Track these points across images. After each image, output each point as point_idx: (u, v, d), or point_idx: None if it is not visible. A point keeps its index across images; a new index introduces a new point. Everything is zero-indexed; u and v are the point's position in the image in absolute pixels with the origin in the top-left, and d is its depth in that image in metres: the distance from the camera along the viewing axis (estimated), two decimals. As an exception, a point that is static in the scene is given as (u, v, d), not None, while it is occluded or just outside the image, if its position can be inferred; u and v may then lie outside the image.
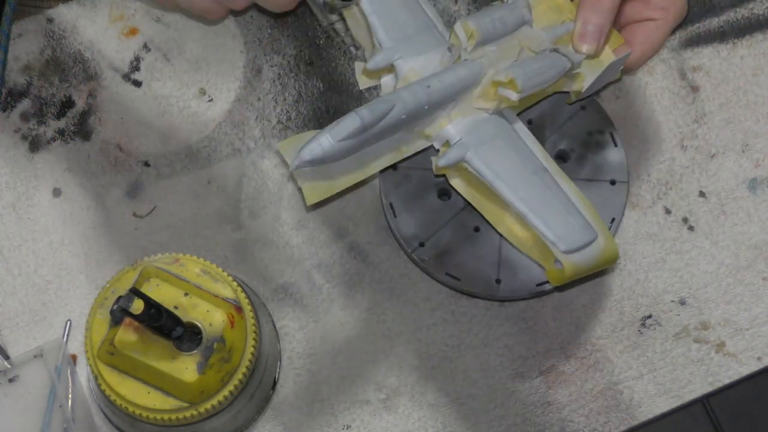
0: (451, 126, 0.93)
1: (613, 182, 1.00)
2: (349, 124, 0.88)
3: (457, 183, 0.95)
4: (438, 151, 0.95)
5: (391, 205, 1.00)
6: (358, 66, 0.98)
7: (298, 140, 0.90)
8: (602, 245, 0.92)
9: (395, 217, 0.99)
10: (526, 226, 0.93)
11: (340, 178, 0.93)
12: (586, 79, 0.97)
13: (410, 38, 0.95)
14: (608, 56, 0.97)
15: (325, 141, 0.87)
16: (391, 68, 0.95)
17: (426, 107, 0.91)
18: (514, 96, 0.91)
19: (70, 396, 0.97)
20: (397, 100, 0.89)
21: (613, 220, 0.99)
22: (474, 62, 0.93)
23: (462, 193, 0.95)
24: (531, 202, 0.91)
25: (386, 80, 0.97)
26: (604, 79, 0.99)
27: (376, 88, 1.05)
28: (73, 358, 0.99)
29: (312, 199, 0.93)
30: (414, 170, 1.00)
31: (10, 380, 0.98)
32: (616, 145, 1.01)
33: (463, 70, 0.92)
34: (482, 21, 0.92)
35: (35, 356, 0.98)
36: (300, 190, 0.92)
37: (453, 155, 0.92)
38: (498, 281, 0.98)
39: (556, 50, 0.94)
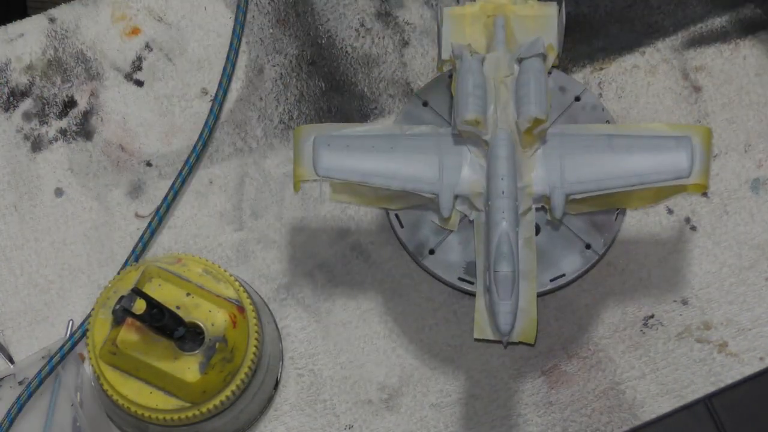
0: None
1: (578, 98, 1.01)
2: None
3: None
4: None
5: (397, 216, 1.00)
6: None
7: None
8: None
9: (402, 227, 0.99)
10: None
11: None
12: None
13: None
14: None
15: None
16: None
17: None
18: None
19: (78, 394, 0.97)
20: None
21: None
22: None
23: None
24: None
25: None
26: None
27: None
28: (81, 357, 0.99)
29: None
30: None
31: (20, 383, 0.98)
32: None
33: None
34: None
35: (43, 357, 0.98)
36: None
37: None
38: None
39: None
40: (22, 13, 1.57)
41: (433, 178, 0.94)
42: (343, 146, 0.94)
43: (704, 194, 1.04)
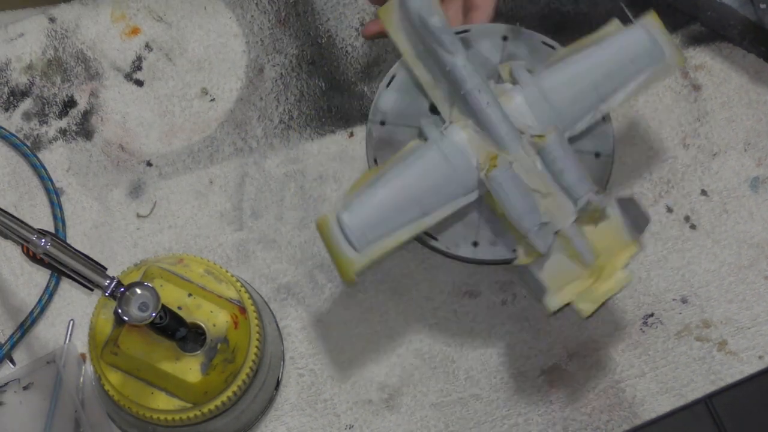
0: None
1: (597, 155, 0.99)
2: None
3: None
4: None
5: (375, 160, 0.98)
6: None
7: None
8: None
9: None
10: None
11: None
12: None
13: None
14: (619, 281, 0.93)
15: None
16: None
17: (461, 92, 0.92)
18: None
19: (80, 394, 0.97)
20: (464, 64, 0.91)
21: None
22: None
23: None
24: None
25: None
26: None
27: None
28: (83, 356, 0.99)
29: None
30: (399, 127, 0.98)
31: (25, 388, 0.98)
32: (604, 120, 0.99)
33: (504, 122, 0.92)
34: (559, 141, 0.91)
35: (48, 363, 0.98)
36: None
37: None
38: (475, 243, 0.97)
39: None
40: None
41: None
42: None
43: (704, 193, 1.04)
